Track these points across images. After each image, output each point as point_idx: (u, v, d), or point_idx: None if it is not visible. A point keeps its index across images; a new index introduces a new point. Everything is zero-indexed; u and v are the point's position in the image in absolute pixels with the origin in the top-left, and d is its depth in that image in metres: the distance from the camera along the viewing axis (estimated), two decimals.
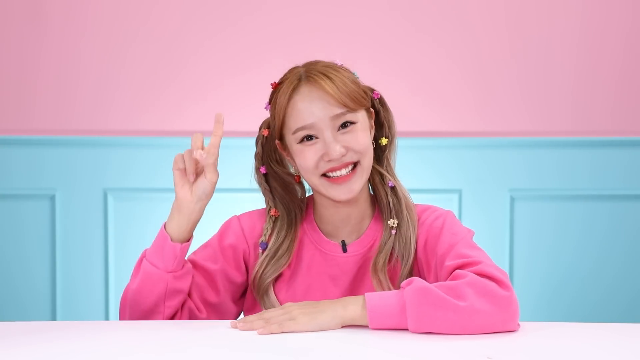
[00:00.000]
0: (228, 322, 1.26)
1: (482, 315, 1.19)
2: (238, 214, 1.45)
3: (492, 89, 2.53)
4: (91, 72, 2.53)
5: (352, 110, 1.31)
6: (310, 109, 1.30)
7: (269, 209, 1.41)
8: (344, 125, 1.31)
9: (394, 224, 1.36)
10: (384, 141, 1.40)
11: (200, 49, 2.53)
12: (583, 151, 2.50)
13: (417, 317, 1.19)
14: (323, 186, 1.33)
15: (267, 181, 1.41)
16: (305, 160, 1.32)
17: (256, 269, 1.37)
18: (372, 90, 1.41)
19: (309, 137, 1.32)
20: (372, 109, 1.39)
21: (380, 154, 1.41)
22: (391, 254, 1.36)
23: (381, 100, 1.42)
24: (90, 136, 2.49)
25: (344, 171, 1.32)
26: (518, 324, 1.23)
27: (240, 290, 1.42)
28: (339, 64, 1.36)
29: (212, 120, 1.31)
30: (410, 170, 2.09)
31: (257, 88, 2.54)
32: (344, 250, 1.39)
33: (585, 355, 1.10)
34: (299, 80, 1.32)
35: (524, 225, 2.50)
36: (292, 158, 1.37)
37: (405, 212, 1.36)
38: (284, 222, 1.39)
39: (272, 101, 1.37)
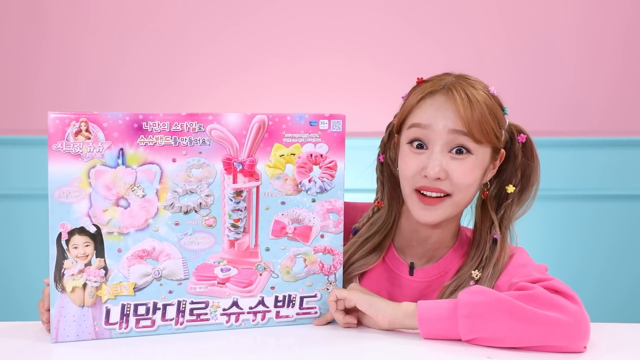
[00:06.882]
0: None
1: (545, 325, 1.09)
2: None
3: None
4: (90, 72, 2.53)
5: (474, 139, 1.24)
6: (434, 113, 1.24)
7: (375, 199, 1.38)
8: (459, 150, 1.24)
9: (476, 276, 1.28)
10: (510, 189, 1.32)
11: (201, 50, 2.53)
12: (583, 151, 2.50)
13: (469, 318, 1.11)
14: (411, 199, 1.27)
15: (381, 171, 1.38)
16: (406, 166, 1.27)
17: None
18: (519, 132, 1.33)
19: (420, 146, 1.26)
20: (502, 150, 1.31)
21: (503, 201, 1.34)
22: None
23: (526, 146, 1.33)
24: None
25: (433, 194, 1.26)
26: (585, 347, 1.12)
27: None
28: (491, 91, 1.30)
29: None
30: None
31: (258, 88, 2.55)
32: (411, 273, 1.34)
33: (575, 355, 1.10)
34: (442, 87, 1.26)
35: (524, 225, 2.49)
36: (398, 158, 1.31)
37: (491, 269, 1.28)
38: (382, 215, 1.35)
39: (409, 93, 1.32)
